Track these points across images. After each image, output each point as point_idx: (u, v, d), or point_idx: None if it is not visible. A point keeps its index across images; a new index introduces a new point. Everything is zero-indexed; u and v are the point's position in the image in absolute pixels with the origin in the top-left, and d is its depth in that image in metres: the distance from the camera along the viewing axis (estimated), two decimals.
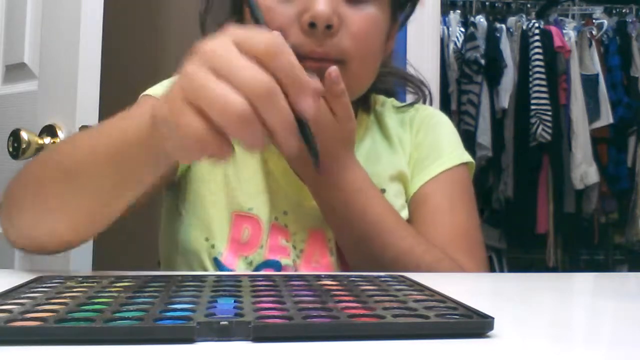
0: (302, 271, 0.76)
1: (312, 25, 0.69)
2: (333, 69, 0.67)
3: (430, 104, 0.92)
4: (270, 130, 0.43)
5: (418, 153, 0.85)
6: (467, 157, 0.86)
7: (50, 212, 0.59)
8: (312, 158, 0.50)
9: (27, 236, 0.62)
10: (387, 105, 0.89)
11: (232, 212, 0.77)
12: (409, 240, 0.73)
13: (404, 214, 0.81)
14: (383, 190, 0.79)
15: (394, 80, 0.92)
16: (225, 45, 0.44)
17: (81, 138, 0.61)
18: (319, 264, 0.78)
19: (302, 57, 0.68)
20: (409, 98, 0.96)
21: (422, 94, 0.90)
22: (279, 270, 0.76)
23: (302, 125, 0.46)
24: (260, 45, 0.43)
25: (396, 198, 0.81)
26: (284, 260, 0.77)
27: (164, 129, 0.46)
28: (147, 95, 0.80)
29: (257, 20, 0.53)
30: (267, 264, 0.76)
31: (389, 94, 0.92)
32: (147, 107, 0.50)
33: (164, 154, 0.49)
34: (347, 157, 0.73)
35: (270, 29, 0.70)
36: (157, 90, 0.80)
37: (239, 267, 0.76)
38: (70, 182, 0.57)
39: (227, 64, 0.43)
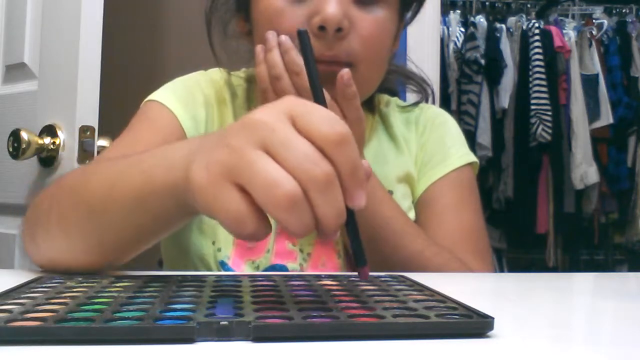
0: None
1: (322, 28, 0.68)
2: (345, 72, 0.66)
3: (433, 102, 0.92)
4: (318, 218, 0.39)
5: (424, 153, 0.85)
6: (472, 157, 0.86)
7: (73, 242, 0.56)
8: (353, 254, 0.46)
9: (50, 259, 0.59)
10: (391, 104, 0.89)
11: None
12: (419, 242, 0.73)
13: (411, 215, 0.81)
14: (390, 192, 0.79)
15: (396, 79, 0.91)
16: (280, 119, 0.39)
17: (106, 172, 0.57)
18: (326, 267, 0.77)
19: None
20: (410, 96, 0.96)
21: (424, 93, 0.90)
22: None
23: (348, 216, 0.42)
24: (325, 130, 0.39)
25: (404, 199, 0.81)
26: (291, 265, 0.77)
27: (199, 199, 0.42)
28: (151, 100, 0.79)
29: (314, 89, 0.49)
30: (273, 268, 0.76)
31: (392, 92, 0.91)
32: (177, 153, 0.47)
33: (194, 210, 0.45)
34: None
35: (280, 31, 0.70)
36: (161, 95, 0.79)
37: (246, 271, 0.75)
38: (94, 220, 0.54)
39: (282, 143, 0.38)
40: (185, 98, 0.79)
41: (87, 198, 0.55)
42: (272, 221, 0.75)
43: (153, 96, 0.79)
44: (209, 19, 0.82)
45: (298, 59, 0.67)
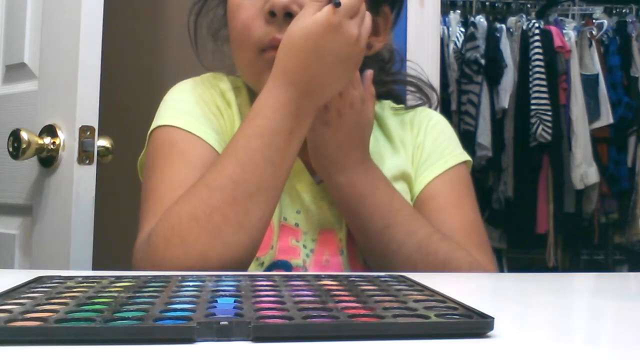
0: (312, 270, 0.77)
1: (272, 14, 0.72)
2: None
3: (436, 109, 0.94)
4: None
5: (421, 153, 0.86)
6: (466, 156, 0.88)
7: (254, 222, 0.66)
8: None
9: (229, 256, 0.65)
10: (385, 107, 0.90)
11: None
12: (428, 228, 0.76)
13: None
14: None
15: (404, 87, 0.94)
16: None
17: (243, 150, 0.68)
18: (329, 263, 0.78)
19: (266, 47, 0.73)
20: (409, 99, 0.97)
21: (429, 102, 0.92)
22: (289, 271, 0.76)
23: None
24: None
25: None
26: (294, 261, 0.77)
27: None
28: (163, 126, 0.78)
29: None
30: (277, 265, 0.77)
31: (398, 99, 0.93)
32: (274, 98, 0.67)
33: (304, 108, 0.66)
34: (367, 151, 0.78)
35: (238, 24, 0.74)
36: (180, 120, 0.78)
37: (250, 268, 0.76)
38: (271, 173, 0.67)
39: None
40: (203, 116, 0.79)
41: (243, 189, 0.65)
42: (275, 217, 0.77)
43: (161, 122, 0.79)
44: (194, 26, 0.86)
45: None
